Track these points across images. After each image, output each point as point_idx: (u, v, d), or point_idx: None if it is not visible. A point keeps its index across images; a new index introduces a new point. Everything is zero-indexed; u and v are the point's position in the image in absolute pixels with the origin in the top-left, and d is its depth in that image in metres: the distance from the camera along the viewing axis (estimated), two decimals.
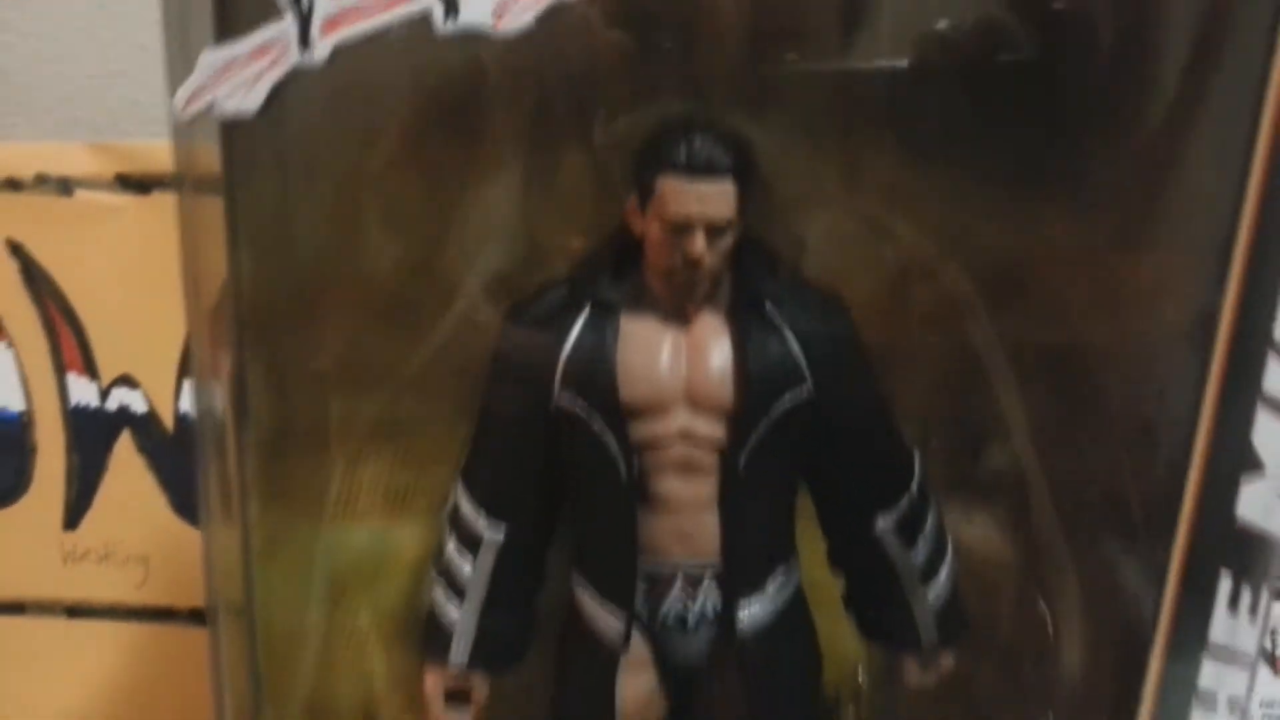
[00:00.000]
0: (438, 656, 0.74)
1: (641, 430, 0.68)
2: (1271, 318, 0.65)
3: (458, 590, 0.73)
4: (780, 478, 0.70)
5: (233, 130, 0.64)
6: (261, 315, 0.73)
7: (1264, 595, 0.70)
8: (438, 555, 0.74)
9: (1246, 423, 0.66)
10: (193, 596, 1.23)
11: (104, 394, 1.23)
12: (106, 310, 1.21)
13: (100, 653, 1.24)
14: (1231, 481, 0.67)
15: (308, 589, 0.80)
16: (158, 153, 1.19)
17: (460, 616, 0.73)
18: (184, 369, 1.22)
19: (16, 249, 1.20)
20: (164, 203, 1.20)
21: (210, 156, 0.70)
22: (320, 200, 0.72)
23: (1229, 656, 0.69)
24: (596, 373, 0.67)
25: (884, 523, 0.72)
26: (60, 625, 1.24)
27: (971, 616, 0.75)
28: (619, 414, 0.67)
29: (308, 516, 0.79)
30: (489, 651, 0.74)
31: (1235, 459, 0.66)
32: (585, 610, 0.72)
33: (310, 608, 0.80)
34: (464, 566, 0.73)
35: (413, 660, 0.77)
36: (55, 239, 1.19)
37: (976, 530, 0.75)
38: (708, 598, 0.70)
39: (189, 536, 1.23)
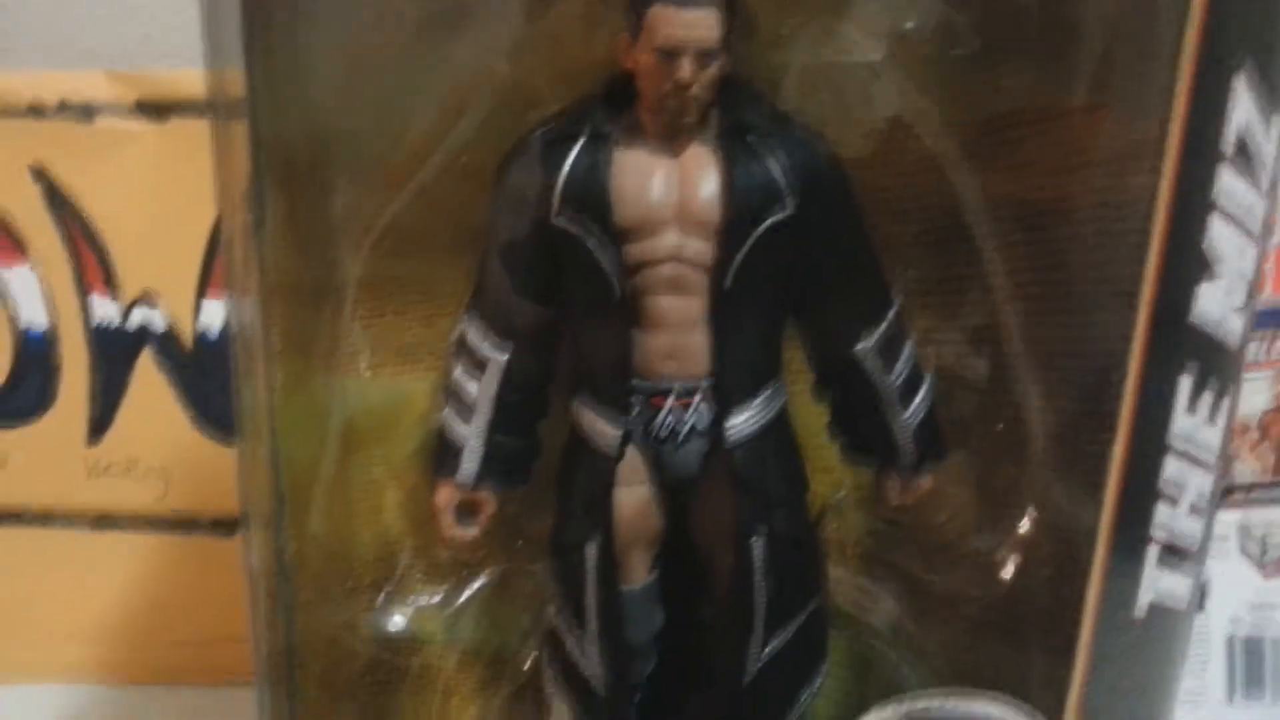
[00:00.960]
0: (447, 471, 0.79)
1: (634, 250, 0.73)
2: (1219, 132, 0.70)
3: (465, 410, 0.78)
4: (767, 299, 0.75)
5: None
6: (279, 167, 0.78)
7: (1225, 400, 0.75)
8: (446, 380, 0.79)
9: (1199, 229, 0.71)
10: (212, 507, 1.29)
11: (125, 313, 1.28)
12: (127, 232, 1.26)
13: (124, 561, 1.30)
14: (1186, 286, 0.71)
15: (324, 435, 0.84)
16: (176, 80, 1.25)
17: (469, 434, 0.78)
18: (202, 289, 1.27)
19: (40, 174, 1.26)
20: (182, 128, 1.26)
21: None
22: (334, 52, 0.77)
23: (1191, 456, 0.73)
24: (591, 194, 0.72)
25: (864, 345, 0.77)
26: (86, 536, 1.29)
27: (947, 436, 0.79)
28: (613, 233, 0.72)
29: (324, 366, 0.84)
30: (496, 468, 0.79)
31: (1189, 264, 0.71)
32: (585, 425, 0.77)
33: (327, 453, 0.85)
34: (471, 387, 0.78)
35: (427, 499, 0.81)
36: (78, 164, 1.25)
37: (952, 354, 0.80)
38: (699, 413, 0.75)
39: (208, 450, 1.29)
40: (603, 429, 0.76)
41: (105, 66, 1.24)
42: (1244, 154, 0.72)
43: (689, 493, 0.77)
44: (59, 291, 1.28)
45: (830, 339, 0.78)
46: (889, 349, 0.77)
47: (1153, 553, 0.73)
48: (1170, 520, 0.73)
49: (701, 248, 0.73)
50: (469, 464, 0.78)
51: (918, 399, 0.78)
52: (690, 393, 0.75)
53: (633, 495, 0.76)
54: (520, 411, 0.79)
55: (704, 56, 0.70)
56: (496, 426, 0.78)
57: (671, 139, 0.73)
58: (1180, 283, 0.71)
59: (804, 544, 0.78)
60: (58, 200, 1.26)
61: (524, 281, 0.76)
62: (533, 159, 0.74)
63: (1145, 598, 0.74)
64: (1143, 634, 0.74)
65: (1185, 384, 0.72)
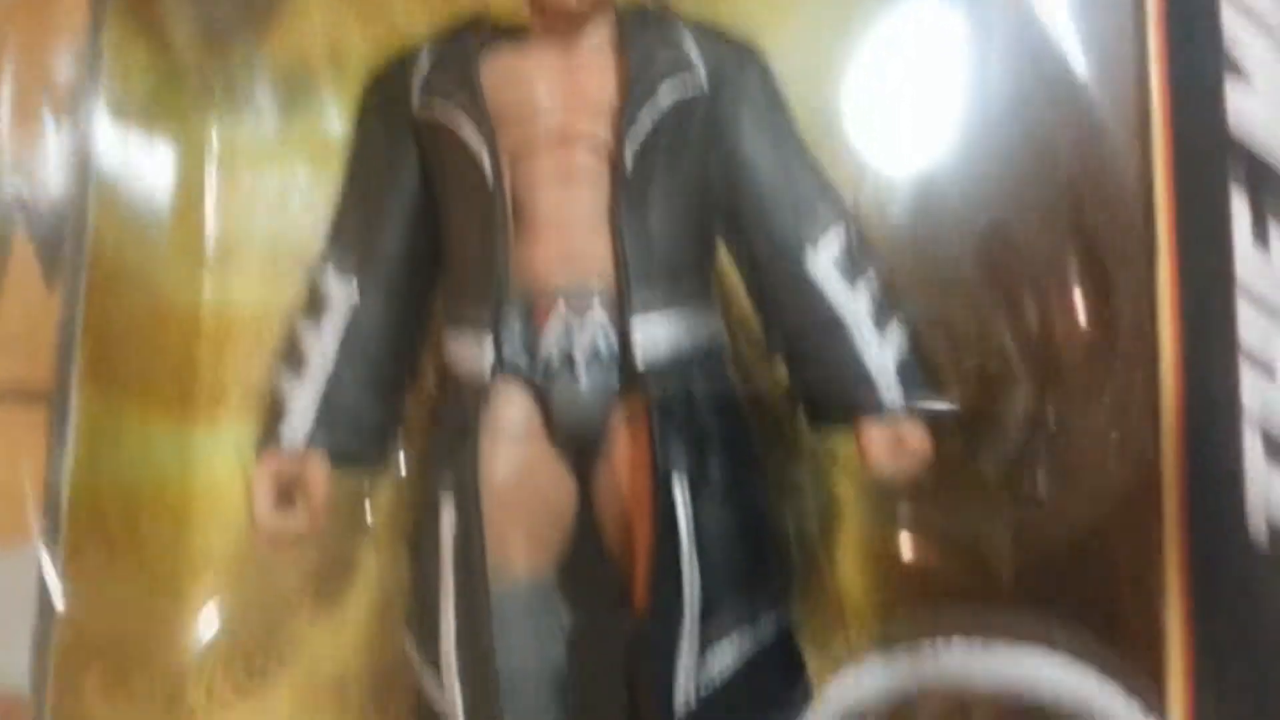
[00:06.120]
0: (270, 442, 0.59)
1: (513, 134, 0.58)
2: None
3: (298, 363, 0.60)
4: (681, 196, 0.58)
5: None
6: None
7: None
8: (281, 343, 0.62)
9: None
10: None
11: None
12: None
13: None
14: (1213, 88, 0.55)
15: None
16: None
17: (298, 391, 0.59)
18: None
19: None
20: None
21: None
22: None
23: (1268, 306, 0.52)
24: (459, 78, 0.59)
25: (815, 258, 0.59)
26: None
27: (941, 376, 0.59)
28: (483, 115, 0.58)
29: None
30: (333, 431, 0.59)
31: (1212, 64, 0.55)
32: (451, 355, 0.58)
33: None
34: (309, 336, 0.60)
35: None
36: None
37: None
38: (600, 330, 0.56)
39: None
40: (469, 352, 0.57)
41: None
42: None
43: (593, 453, 0.57)
44: None
45: (773, 257, 0.59)
46: (851, 265, 0.59)
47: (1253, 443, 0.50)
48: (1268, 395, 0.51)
49: (593, 123, 0.58)
50: (296, 424, 0.58)
51: (893, 324, 0.59)
52: (585, 299, 0.57)
53: (511, 454, 0.56)
54: (370, 368, 0.60)
55: None
56: (337, 381, 0.59)
57: (561, 34, 0.60)
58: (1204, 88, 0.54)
59: (751, 511, 0.56)
60: None
61: (386, 195, 0.61)
62: (393, 62, 0.63)
63: (1259, 514, 0.49)
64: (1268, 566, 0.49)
65: (1242, 210, 0.53)
